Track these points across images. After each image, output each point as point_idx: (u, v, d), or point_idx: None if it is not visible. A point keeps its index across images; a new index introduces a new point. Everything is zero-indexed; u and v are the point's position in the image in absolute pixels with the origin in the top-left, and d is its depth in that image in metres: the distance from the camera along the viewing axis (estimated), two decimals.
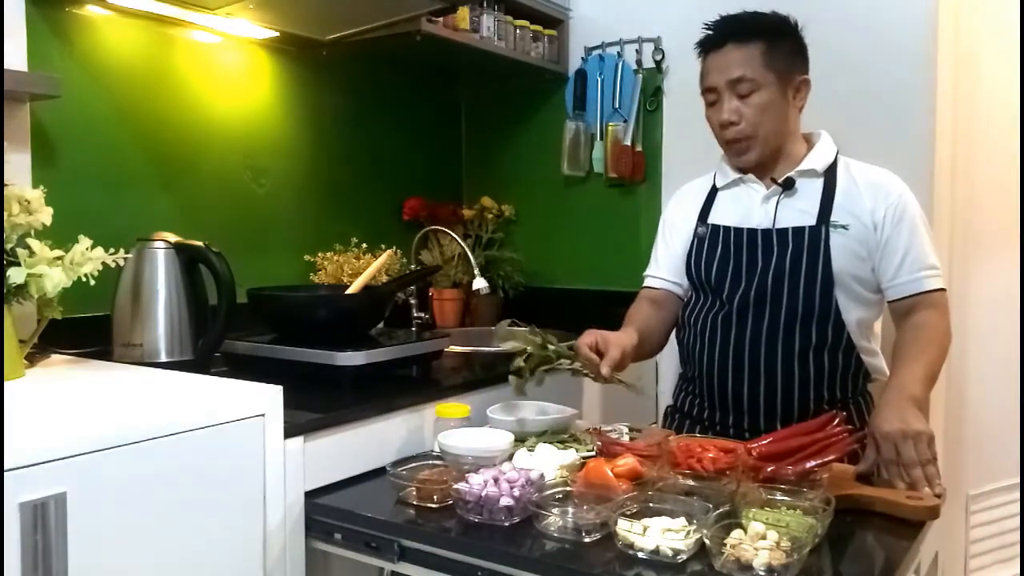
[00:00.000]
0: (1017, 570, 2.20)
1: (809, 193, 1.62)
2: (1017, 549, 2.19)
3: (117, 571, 1.09)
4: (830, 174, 1.62)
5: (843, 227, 1.57)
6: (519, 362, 1.55)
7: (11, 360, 1.33)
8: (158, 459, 1.13)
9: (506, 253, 2.63)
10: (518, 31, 2.44)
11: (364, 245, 2.28)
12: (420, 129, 2.66)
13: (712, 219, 1.71)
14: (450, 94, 2.78)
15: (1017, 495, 2.20)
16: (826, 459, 1.27)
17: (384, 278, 2.08)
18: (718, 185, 1.74)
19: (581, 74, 2.53)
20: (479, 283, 2.29)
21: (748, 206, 1.66)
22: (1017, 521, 2.19)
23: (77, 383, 1.38)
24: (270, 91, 2.18)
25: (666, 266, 1.78)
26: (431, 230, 2.51)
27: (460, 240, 2.43)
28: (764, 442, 1.33)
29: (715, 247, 1.67)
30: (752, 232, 1.63)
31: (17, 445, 0.98)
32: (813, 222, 1.58)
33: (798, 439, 1.33)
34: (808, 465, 1.26)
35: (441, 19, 2.16)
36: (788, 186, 1.62)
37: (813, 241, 1.57)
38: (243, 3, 1.84)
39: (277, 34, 2.10)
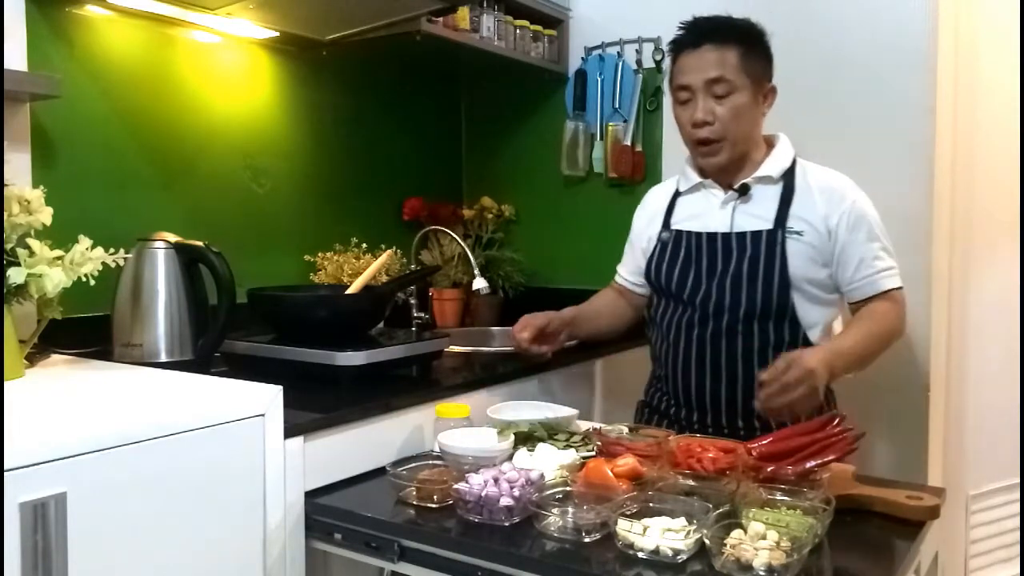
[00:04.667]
0: (1017, 570, 2.20)
1: (765, 198, 1.66)
2: (1017, 549, 2.19)
3: (117, 571, 1.09)
4: (787, 179, 1.66)
5: (798, 233, 1.61)
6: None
7: (11, 360, 1.33)
8: (158, 459, 1.13)
9: (506, 253, 2.63)
10: (518, 31, 2.44)
11: (364, 245, 2.28)
12: (420, 129, 2.66)
13: (675, 224, 1.76)
14: (450, 94, 2.78)
15: (1017, 495, 2.20)
16: (826, 459, 1.27)
17: (384, 278, 2.08)
18: (681, 189, 1.79)
19: (581, 74, 2.53)
20: (479, 283, 2.29)
21: (707, 211, 1.71)
22: (1017, 521, 2.19)
23: (77, 383, 1.38)
24: (270, 91, 2.18)
25: (629, 267, 1.88)
26: (431, 230, 2.50)
27: (460, 240, 2.43)
28: (764, 442, 1.33)
29: (677, 252, 1.72)
30: (712, 236, 1.68)
31: (17, 445, 0.98)
32: (770, 226, 1.63)
33: (798, 439, 1.33)
34: (808, 465, 1.26)
35: (441, 19, 2.17)
36: (743, 192, 1.66)
37: (770, 245, 1.62)
38: (243, 3, 1.84)
39: (277, 34, 2.10)
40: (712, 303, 1.64)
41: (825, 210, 1.61)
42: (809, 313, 1.63)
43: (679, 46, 1.66)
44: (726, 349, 1.64)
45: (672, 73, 1.68)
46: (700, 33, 1.63)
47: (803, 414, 1.44)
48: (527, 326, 1.77)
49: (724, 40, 1.61)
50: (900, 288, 1.63)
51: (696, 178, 1.73)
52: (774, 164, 1.66)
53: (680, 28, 1.67)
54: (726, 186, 1.69)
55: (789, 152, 1.69)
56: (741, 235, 1.64)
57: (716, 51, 1.60)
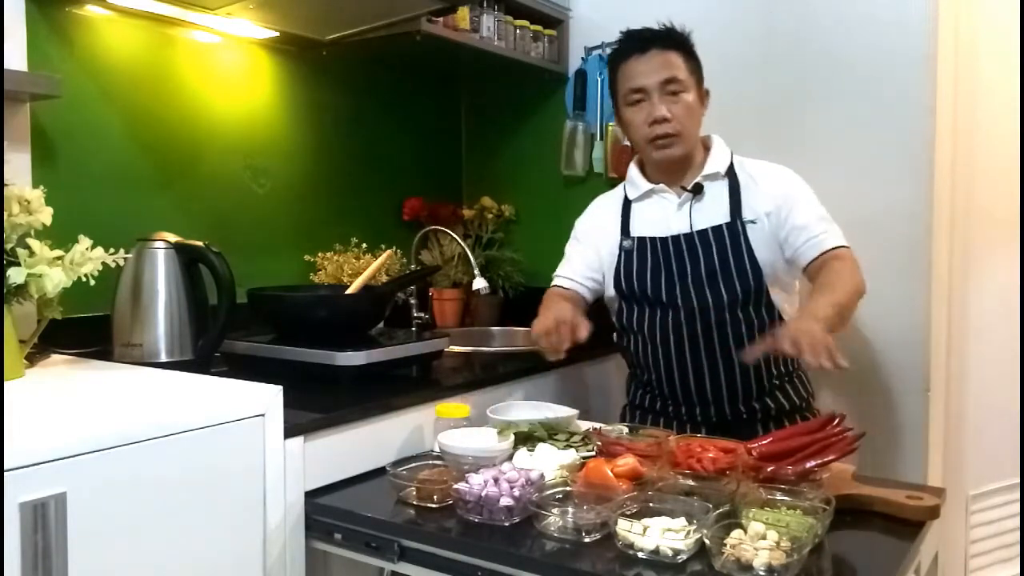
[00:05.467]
0: (1017, 570, 2.20)
1: (716, 195, 1.73)
2: (1017, 549, 2.19)
3: (117, 571, 1.09)
4: (731, 175, 1.73)
5: (751, 222, 1.69)
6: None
7: (11, 360, 1.33)
8: (158, 459, 1.13)
9: (506, 253, 2.63)
10: (518, 31, 2.44)
11: (364, 245, 2.28)
12: (420, 129, 2.66)
13: (634, 231, 1.78)
14: (450, 94, 2.78)
15: (1017, 495, 2.20)
16: (826, 459, 1.27)
17: (384, 278, 2.08)
18: (630, 197, 1.82)
19: (581, 74, 2.52)
20: (479, 283, 2.29)
21: (664, 215, 1.76)
22: (1017, 521, 2.19)
23: (77, 383, 1.38)
24: (270, 91, 2.18)
25: (579, 269, 1.84)
26: (431, 230, 2.50)
27: (460, 240, 2.43)
28: (764, 442, 1.33)
29: (644, 258, 1.75)
30: (675, 239, 1.73)
31: (17, 445, 0.98)
32: (727, 219, 1.70)
33: (798, 439, 1.33)
34: (808, 465, 1.26)
35: (441, 19, 2.16)
36: (697, 191, 1.73)
37: (733, 236, 1.69)
38: (243, 3, 1.84)
39: (277, 34, 2.10)
40: (693, 301, 1.69)
41: (767, 196, 1.69)
42: (778, 295, 1.70)
43: (624, 54, 1.73)
44: (718, 340, 1.69)
45: (618, 80, 1.74)
46: (645, 40, 1.71)
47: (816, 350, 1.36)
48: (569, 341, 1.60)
49: (667, 45, 1.70)
50: (846, 247, 1.66)
51: (646, 184, 1.78)
52: (717, 162, 1.74)
53: (620, 39, 1.75)
54: (678, 188, 1.74)
55: (726, 150, 1.77)
56: (703, 232, 1.70)
57: (663, 55, 1.69)
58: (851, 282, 1.61)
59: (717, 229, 1.69)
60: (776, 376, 1.74)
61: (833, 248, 1.65)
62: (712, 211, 1.71)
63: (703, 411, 1.74)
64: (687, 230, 1.72)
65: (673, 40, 1.71)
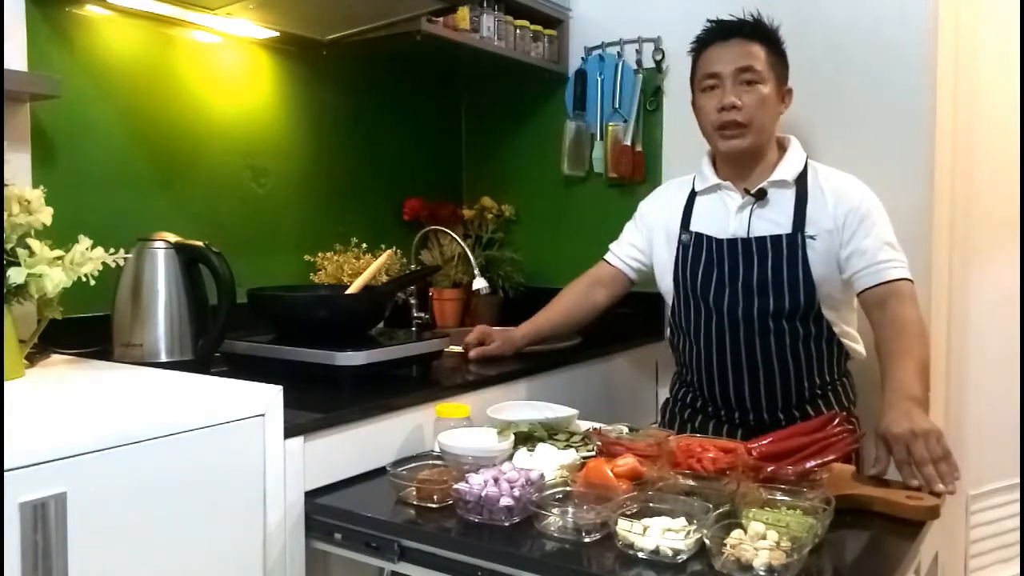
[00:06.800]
0: (1017, 570, 2.20)
1: (781, 203, 1.68)
2: (1017, 549, 2.19)
3: (117, 571, 1.09)
4: (800, 184, 1.68)
5: (811, 238, 1.64)
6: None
7: (11, 360, 1.33)
8: (158, 459, 1.13)
9: (506, 253, 2.63)
10: (518, 31, 2.44)
11: (364, 245, 2.28)
12: (420, 129, 2.66)
13: (694, 226, 1.76)
14: (450, 94, 2.78)
15: (1017, 495, 2.20)
16: (826, 459, 1.27)
17: (384, 278, 2.08)
18: (697, 189, 1.79)
19: (581, 74, 2.53)
20: (479, 283, 2.29)
21: (724, 215, 1.72)
22: (1017, 521, 2.19)
23: (77, 383, 1.38)
24: (270, 91, 2.18)
25: (627, 249, 1.91)
26: (431, 230, 2.50)
27: (460, 240, 2.43)
28: (764, 442, 1.33)
29: (699, 256, 1.73)
30: (731, 242, 1.69)
31: (17, 445, 0.98)
32: (788, 231, 1.65)
33: (798, 439, 1.33)
34: (808, 465, 1.26)
35: (441, 19, 2.16)
36: (760, 196, 1.68)
37: (791, 249, 1.64)
38: (243, 3, 1.84)
39: (277, 34, 2.10)
40: (739, 310, 1.67)
41: (834, 211, 1.64)
42: (830, 311, 1.67)
43: (706, 41, 1.70)
44: (761, 350, 1.67)
45: (697, 66, 1.72)
46: (729, 29, 1.68)
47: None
48: (477, 353, 1.90)
49: (751, 36, 1.67)
50: (909, 280, 1.61)
51: (714, 179, 1.75)
52: (788, 168, 1.69)
53: (706, 27, 1.72)
54: (742, 190, 1.70)
55: (801, 155, 1.72)
56: (761, 240, 1.66)
57: (744, 45, 1.66)
58: (923, 332, 1.56)
59: (776, 239, 1.65)
60: (819, 385, 1.70)
61: (894, 280, 1.60)
62: (773, 219, 1.67)
63: (742, 416, 1.73)
64: (744, 234, 1.68)
65: (758, 31, 1.68)
